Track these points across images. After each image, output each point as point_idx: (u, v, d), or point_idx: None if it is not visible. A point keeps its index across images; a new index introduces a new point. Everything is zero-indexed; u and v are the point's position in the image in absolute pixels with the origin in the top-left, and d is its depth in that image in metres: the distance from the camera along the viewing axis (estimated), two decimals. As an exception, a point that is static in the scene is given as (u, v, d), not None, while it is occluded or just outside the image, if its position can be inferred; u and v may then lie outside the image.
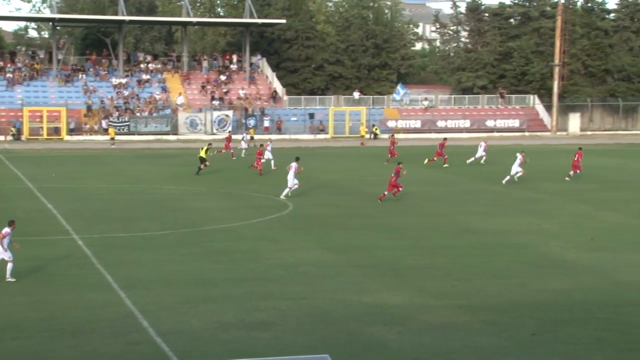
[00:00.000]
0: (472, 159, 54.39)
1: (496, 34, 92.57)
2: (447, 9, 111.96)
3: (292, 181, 38.77)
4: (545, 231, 31.17)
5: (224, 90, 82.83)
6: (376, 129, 79.69)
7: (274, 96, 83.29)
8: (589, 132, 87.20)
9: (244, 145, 61.16)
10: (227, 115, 78.02)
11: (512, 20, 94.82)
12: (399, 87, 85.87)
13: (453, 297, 21.76)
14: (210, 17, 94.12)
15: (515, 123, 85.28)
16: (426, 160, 53.84)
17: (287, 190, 38.91)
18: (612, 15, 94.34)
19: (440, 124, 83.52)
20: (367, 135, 78.58)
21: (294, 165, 39.17)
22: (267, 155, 50.52)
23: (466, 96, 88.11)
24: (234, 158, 57.16)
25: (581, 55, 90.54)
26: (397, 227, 31.50)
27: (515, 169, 44.91)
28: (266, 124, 79.12)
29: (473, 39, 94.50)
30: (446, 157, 53.09)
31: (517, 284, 23.04)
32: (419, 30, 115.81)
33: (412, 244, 28.50)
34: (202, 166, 47.86)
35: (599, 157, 60.42)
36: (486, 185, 43.83)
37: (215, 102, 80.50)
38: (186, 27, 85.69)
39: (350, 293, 21.97)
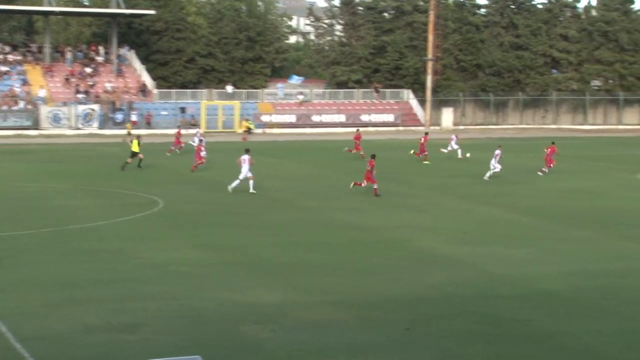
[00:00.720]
0: (446, 151, 56.05)
1: (370, 28, 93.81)
2: (321, 2, 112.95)
3: (245, 173, 39.07)
4: (418, 225, 31.78)
5: (90, 83, 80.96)
6: (250, 124, 79.47)
7: (143, 89, 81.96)
8: (462, 127, 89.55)
9: (196, 141, 60.33)
10: (93, 110, 76.33)
11: (385, 14, 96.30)
12: (294, 76, 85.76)
13: (327, 293, 21.91)
14: (74, 6, 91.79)
15: (390, 117, 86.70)
16: (412, 151, 55.65)
17: (236, 182, 39.16)
18: (482, 10, 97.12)
19: (315, 118, 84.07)
20: (245, 130, 77.80)
21: (246, 157, 39.29)
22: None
23: (341, 90, 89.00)
24: (168, 154, 55.73)
25: (453, 50, 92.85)
26: (270, 224, 31.50)
27: (494, 164, 45.79)
28: (134, 118, 77.76)
29: (347, 32, 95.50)
30: (427, 153, 54.12)
31: (390, 279, 23.40)
32: (293, 23, 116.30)
33: (285, 240, 28.56)
34: (129, 160, 47.09)
35: (471, 151, 61.97)
36: (360, 180, 44.20)
37: (80, 96, 78.60)
38: (48, 17, 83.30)
39: (223, 292, 21.82)
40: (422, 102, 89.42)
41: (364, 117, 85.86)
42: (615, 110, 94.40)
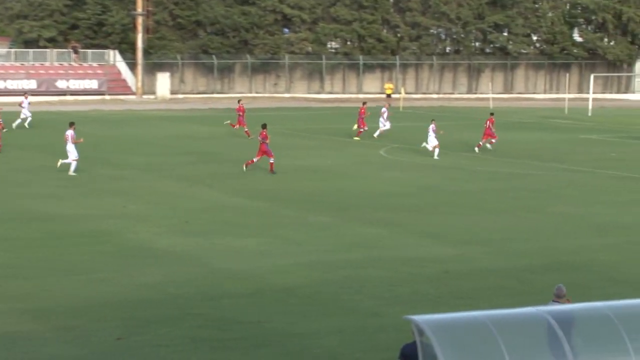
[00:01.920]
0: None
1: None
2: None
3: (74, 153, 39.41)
4: (131, 214, 31.63)
5: None
6: None
7: None
8: (181, 96, 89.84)
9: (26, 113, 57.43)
10: None
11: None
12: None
13: (18, 300, 21.37)
14: None
15: (93, 84, 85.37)
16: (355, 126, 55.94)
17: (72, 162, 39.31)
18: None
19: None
20: None
21: (69, 133, 39.79)
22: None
23: (30, 50, 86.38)
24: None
25: (168, 3, 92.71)
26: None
27: (433, 141, 47.38)
28: None
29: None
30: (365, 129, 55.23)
31: (98, 280, 23.18)
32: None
33: (-36, 237, 27.48)
34: None
35: (191, 124, 62.40)
36: (99, 167, 43.19)
37: None
38: None
39: None
40: (132, 66, 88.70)
41: (61, 84, 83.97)
42: (355, 77, 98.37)
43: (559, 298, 16.99)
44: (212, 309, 21.14)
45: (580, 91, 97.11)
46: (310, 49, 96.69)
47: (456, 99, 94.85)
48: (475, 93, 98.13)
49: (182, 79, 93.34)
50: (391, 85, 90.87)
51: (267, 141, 41.41)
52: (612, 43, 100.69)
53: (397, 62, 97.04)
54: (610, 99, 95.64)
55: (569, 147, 53.25)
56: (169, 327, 19.74)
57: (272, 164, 41.29)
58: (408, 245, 27.94)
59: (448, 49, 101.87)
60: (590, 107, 75.83)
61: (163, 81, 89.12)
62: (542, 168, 44.46)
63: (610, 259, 26.45)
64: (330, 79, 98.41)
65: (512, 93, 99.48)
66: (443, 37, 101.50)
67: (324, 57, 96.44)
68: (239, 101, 59.49)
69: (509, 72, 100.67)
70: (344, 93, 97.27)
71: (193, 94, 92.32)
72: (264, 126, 42.12)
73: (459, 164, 45.83)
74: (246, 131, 55.22)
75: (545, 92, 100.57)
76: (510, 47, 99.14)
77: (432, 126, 48.34)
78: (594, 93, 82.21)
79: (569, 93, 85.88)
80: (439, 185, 39.25)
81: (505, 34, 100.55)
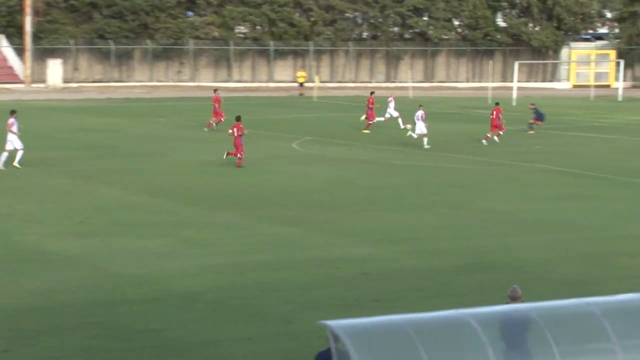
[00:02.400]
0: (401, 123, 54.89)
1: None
2: None
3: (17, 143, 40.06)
4: (18, 214, 31.17)
5: None
6: None
7: None
8: (75, 84, 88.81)
9: None
10: None
11: None
12: None
13: None
14: None
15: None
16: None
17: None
18: None
19: None
20: None
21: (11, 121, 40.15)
22: None
23: None
24: None
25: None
26: None
27: (422, 129, 48.99)
28: None
29: None
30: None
31: (-18, 287, 22.80)
32: None
33: None
34: None
35: (86, 116, 61.71)
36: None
37: None
38: None
39: None
40: (19, 52, 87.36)
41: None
42: (265, 64, 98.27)
43: (514, 300, 17.05)
44: (109, 316, 20.89)
45: (504, 79, 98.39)
46: (216, 33, 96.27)
47: (374, 87, 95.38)
48: (394, 81, 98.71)
49: (76, 66, 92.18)
50: (304, 73, 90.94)
51: (242, 133, 42.16)
52: (537, 28, 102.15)
53: (311, 49, 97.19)
54: (535, 87, 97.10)
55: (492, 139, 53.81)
56: (61, 337, 19.46)
57: (240, 158, 41.97)
58: (323, 245, 27.95)
59: (365, 34, 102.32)
60: (514, 96, 76.83)
61: (54, 68, 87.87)
62: (465, 161, 44.88)
63: (537, 258, 26.78)
64: (238, 66, 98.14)
65: (433, 81, 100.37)
66: (359, 21, 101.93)
67: (231, 42, 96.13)
68: (215, 91, 59.28)
69: (430, 59, 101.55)
70: (253, 82, 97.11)
71: (88, 82, 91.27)
72: (238, 119, 42.83)
73: (377, 157, 46.05)
74: (209, 123, 55.46)
75: (467, 81, 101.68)
76: (430, 32, 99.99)
77: (420, 112, 49.20)
78: (518, 81, 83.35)
79: (492, 81, 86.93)
80: (356, 180, 39.37)
81: (426, 18, 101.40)
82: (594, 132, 56.19)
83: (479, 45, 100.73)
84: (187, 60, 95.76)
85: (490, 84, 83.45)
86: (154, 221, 30.67)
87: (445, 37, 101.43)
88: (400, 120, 56.49)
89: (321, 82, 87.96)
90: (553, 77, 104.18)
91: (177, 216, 31.60)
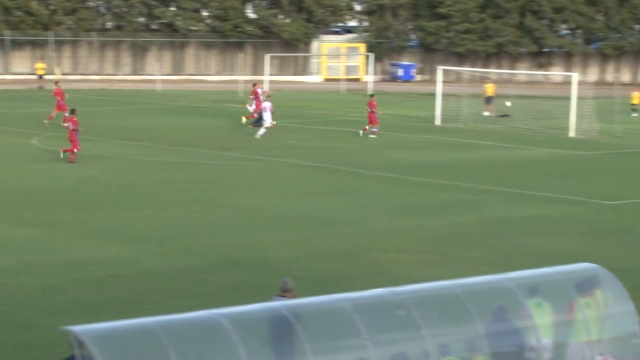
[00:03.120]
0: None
1: None
2: None
3: None
4: None
5: None
6: None
7: None
8: None
9: None
10: None
11: None
12: None
13: None
14: None
15: None
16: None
17: None
18: None
19: None
20: None
21: None
22: None
23: None
24: None
25: None
26: None
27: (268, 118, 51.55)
28: None
29: None
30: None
31: None
32: None
33: None
34: None
35: None
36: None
37: None
38: None
39: None
40: None
41: None
42: (0, 55, 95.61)
43: (284, 292, 17.32)
44: None
45: (255, 72, 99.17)
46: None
47: (119, 80, 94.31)
48: (141, 74, 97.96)
49: None
50: (43, 65, 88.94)
51: (76, 128, 41.98)
52: (287, 20, 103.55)
53: (51, 39, 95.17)
54: (287, 81, 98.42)
55: (245, 133, 54.26)
56: None
57: (74, 153, 41.76)
58: (67, 247, 27.54)
59: (109, 24, 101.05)
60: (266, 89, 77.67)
61: None
62: (214, 157, 45.07)
63: (290, 255, 27.25)
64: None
65: (182, 74, 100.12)
66: (103, 10, 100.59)
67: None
68: (55, 83, 57.10)
69: (178, 51, 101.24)
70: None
71: None
72: (72, 111, 42.94)
73: (123, 153, 45.64)
74: (51, 115, 54.27)
75: (218, 74, 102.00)
76: (178, 23, 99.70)
77: (269, 104, 52.35)
78: (270, 75, 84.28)
79: (243, 75, 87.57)
80: (101, 178, 38.93)
81: (173, 8, 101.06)
82: (346, 126, 57.41)
83: (229, 37, 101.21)
84: None
85: (241, 77, 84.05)
86: None
87: (194, 28, 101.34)
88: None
89: (62, 74, 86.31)
90: (305, 71, 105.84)
91: None
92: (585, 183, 40.39)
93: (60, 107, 54.76)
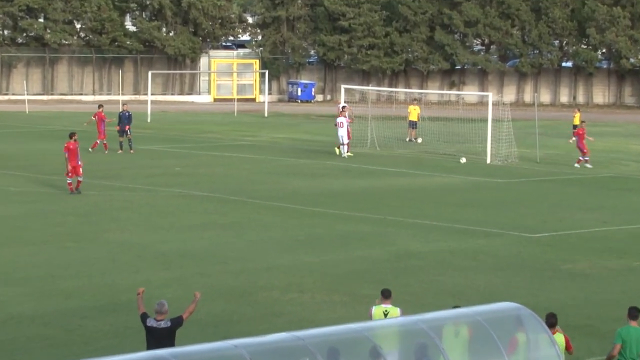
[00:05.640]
0: None
1: None
2: None
3: None
4: None
5: None
6: None
7: None
8: None
9: None
10: None
11: None
12: None
13: None
14: None
15: None
16: None
17: None
18: None
19: None
20: None
21: None
22: None
23: None
24: None
25: None
26: None
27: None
28: None
29: None
30: None
31: None
32: None
33: None
34: None
35: None
36: None
37: None
38: None
39: None
40: None
41: None
42: None
43: (160, 314, 18.91)
44: None
45: (136, 92, 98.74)
46: None
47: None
48: (7, 94, 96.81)
49: None
50: None
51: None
52: (171, 34, 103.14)
53: None
54: (172, 101, 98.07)
55: (126, 160, 53.85)
56: None
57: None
58: None
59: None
60: (149, 111, 77.12)
61: None
62: (92, 186, 44.51)
63: (177, 296, 27.01)
64: None
65: (53, 94, 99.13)
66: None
67: None
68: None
69: (49, 67, 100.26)
70: None
71: None
72: (72, 135, 43.51)
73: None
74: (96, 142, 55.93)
75: (94, 93, 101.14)
76: (48, 36, 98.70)
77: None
78: (153, 94, 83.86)
79: (123, 94, 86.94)
80: (-39, 212, 38.32)
81: (42, 20, 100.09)
82: (239, 152, 57.32)
83: (106, 52, 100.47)
84: None
85: (120, 97, 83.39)
86: None
87: (67, 42, 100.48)
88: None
89: None
90: (192, 90, 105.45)
91: None
92: (503, 214, 40.80)
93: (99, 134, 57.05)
